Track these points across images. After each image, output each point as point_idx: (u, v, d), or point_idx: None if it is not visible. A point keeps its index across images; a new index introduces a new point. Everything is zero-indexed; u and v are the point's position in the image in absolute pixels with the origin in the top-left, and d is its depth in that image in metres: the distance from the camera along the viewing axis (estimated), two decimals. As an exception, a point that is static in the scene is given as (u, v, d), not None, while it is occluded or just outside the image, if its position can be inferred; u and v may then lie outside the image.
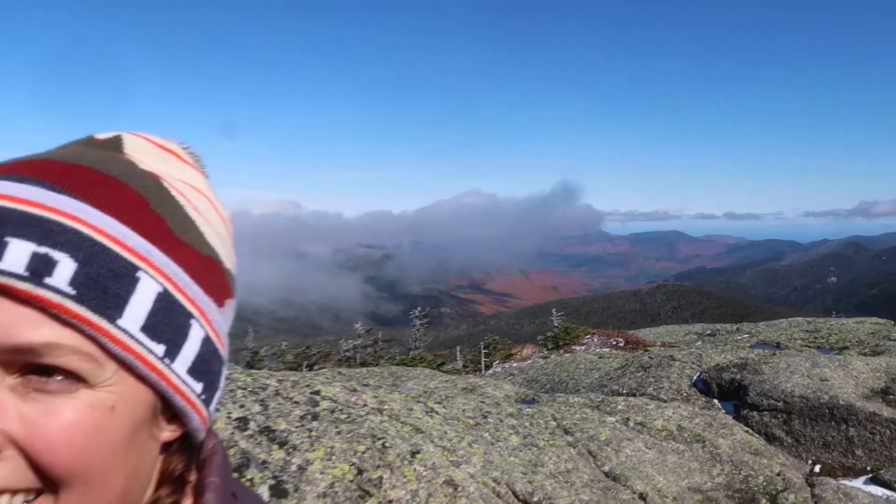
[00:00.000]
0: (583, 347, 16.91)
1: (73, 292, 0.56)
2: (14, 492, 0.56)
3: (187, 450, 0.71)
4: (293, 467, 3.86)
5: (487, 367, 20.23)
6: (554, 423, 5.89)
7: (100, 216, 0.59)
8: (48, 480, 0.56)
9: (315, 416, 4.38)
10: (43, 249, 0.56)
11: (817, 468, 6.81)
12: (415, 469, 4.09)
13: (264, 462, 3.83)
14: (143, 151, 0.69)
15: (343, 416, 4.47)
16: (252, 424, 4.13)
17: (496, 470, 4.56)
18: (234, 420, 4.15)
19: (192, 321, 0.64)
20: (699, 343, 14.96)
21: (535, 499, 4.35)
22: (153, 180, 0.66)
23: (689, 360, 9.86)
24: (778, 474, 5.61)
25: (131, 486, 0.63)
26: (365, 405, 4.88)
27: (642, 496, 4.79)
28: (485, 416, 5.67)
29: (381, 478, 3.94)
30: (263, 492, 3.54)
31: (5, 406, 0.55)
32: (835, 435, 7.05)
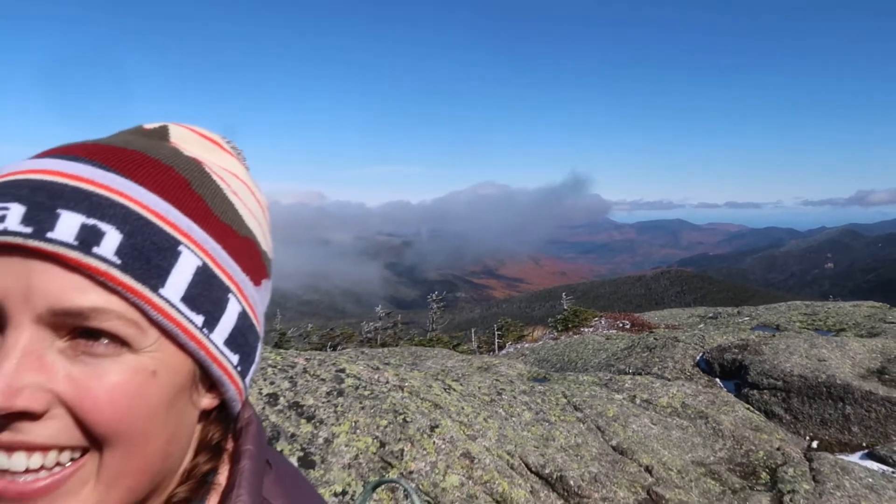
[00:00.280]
0: (591, 329, 16.86)
1: (119, 262, 0.57)
2: (62, 448, 0.56)
3: (224, 419, 0.72)
4: (320, 440, 3.88)
5: (500, 348, 20.24)
6: (564, 400, 5.89)
7: (145, 193, 0.60)
8: (93, 439, 0.57)
9: (340, 393, 4.40)
10: (91, 221, 0.57)
11: (815, 444, 6.76)
12: (434, 442, 4.10)
13: (293, 435, 3.85)
14: (187, 140, 0.71)
15: (366, 393, 4.48)
16: (282, 400, 4.16)
17: (510, 443, 4.57)
18: (265, 396, 4.18)
19: (230, 295, 0.65)
20: (702, 325, 14.87)
21: (547, 471, 4.36)
22: (196, 165, 0.67)
23: (693, 342, 9.80)
24: (778, 449, 5.58)
25: (171, 449, 0.63)
26: (387, 382, 4.89)
27: (648, 469, 4.78)
28: (499, 393, 5.67)
29: (402, 450, 3.96)
30: (292, 463, 3.56)
31: (55, 368, 0.56)
32: (832, 412, 6.99)
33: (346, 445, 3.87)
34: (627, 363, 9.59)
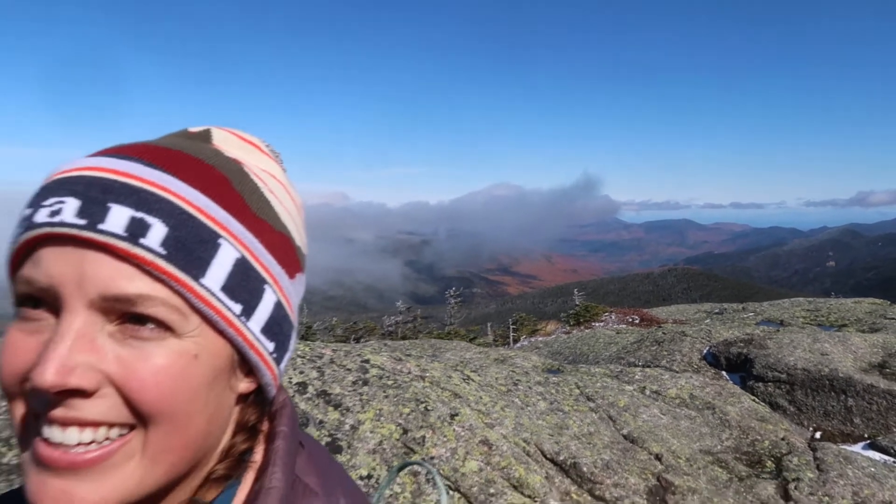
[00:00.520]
0: (602, 324, 16.78)
1: (164, 252, 0.59)
2: (111, 425, 0.58)
3: (260, 403, 0.74)
4: (346, 427, 3.89)
5: (515, 341, 20.20)
6: (577, 391, 5.86)
7: (188, 189, 0.62)
8: (139, 417, 0.59)
9: (365, 382, 4.41)
10: (139, 214, 0.59)
11: (818, 434, 6.68)
12: (454, 430, 4.10)
13: (321, 422, 3.87)
14: (228, 143, 0.73)
15: (390, 382, 4.49)
16: (310, 388, 4.18)
17: (526, 431, 4.56)
18: (295, 384, 4.20)
19: (266, 287, 0.67)
20: (708, 321, 14.73)
21: (562, 457, 4.34)
22: (236, 165, 0.69)
23: (700, 336, 9.72)
24: (782, 439, 5.52)
25: (211, 428, 0.65)
26: (409, 373, 4.90)
27: (658, 457, 4.75)
28: (515, 384, 5.66)
29: (423, 437, 3.96)
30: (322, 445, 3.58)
31: (105, 349, 0.58)
32: (834, 404, 6.90)
33: (371, 432, 3.89)
34: (637, 356, 9.53)
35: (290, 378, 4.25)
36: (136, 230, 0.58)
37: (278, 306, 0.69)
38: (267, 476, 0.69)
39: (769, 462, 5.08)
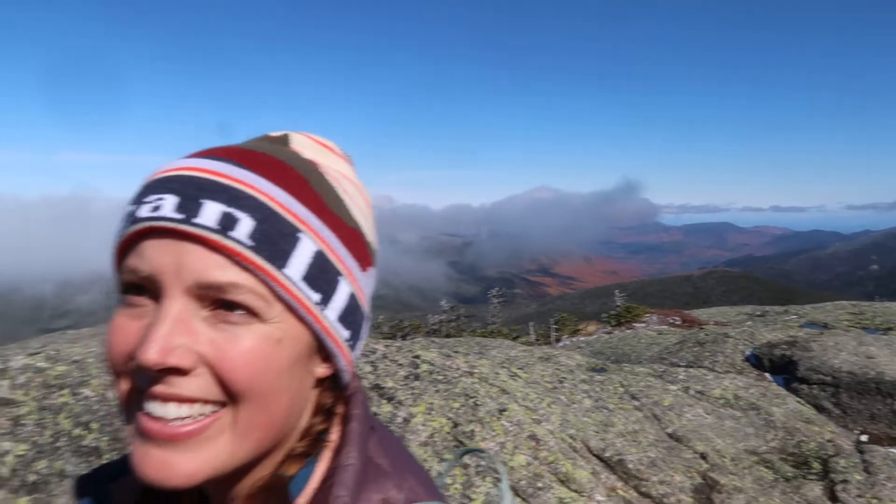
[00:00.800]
0: (643, 325, 16.53)
1: (252, 244, 0.63)
2: (205, 402, 0.63)
3: (336, 387, 0.77)
4: (399, 419, 3.92)
5: (557, 341, 20.06)
6: (622, 389, 5.79)
7: (272, 187, 0.66)
8: (230, 395, 0.63)
9: (417, 377, 4.44)
10: (229, 209, 0.63)
11: (864, 437, 6.46)
12: (502, 424, 4.10)
13: (375, 414, 3.90)
14: (305, 146, 0.76)
15: (440, 378, 4.51)
16: (364, 382, 4.22)
17: (572, 428, 4.52)
18: (350, 378, 4.25)
19: (341, 278, 0.70)
20: (749, 322, 14.36)
21: (608, 454, 4.30)
22: (313, 166, 0.73)
23: (742, 337, 9.48)
24: (829, 441, 5.35)
25: (293, 408, 0.69)
26: (458, 368, 4.91)
27: (703, 456, 4.66)
28: (560, 381, 5.62)
29: (473, 431, 3.97)
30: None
31: (200, 332, 0.62)
32: (881, 408, 6.66)
33: (423, 425, 3.91)
34: (679, 356, 9.36)
35: (346, 372, 4.31)
36: (227, 224, 0.63)
37: (352, 297, 0.72)
38: (343, 455, 0.72)
39: (815, 463, 4.93)
